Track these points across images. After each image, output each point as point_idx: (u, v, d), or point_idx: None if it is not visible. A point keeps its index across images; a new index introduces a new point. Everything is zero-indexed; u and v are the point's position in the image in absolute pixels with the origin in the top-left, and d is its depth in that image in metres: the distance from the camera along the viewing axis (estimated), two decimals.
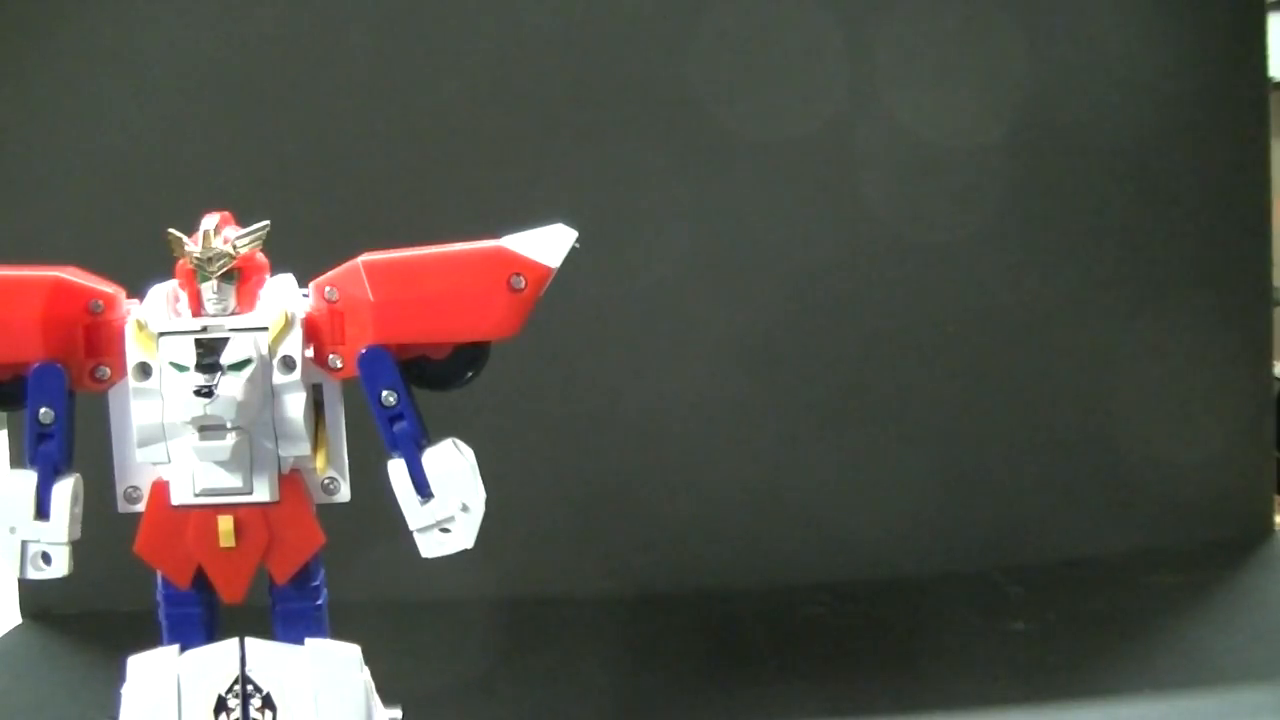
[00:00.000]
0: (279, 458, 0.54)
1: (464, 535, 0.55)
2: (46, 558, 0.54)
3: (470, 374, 0.56)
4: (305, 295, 0.55)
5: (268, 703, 0.54)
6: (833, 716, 0.81)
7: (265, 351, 0.53)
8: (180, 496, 0.54)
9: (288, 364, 0.54)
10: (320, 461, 0.55)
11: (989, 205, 1.05)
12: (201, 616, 0.55)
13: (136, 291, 0.55)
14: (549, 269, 0.54)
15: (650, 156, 1.02)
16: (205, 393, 0.51)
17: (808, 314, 1.05)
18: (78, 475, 0.54)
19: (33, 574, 0.54)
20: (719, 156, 1.03)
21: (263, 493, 0.54)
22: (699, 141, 1.03)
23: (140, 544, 0.54)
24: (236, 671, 0.54)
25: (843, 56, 1.03)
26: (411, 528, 0.55)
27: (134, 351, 0.53)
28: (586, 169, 1.02)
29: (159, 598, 0.55)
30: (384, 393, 0.54)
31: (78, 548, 0.54)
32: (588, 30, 1.02)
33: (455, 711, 0.76)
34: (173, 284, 0.54)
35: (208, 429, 0.52)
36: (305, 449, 0.54)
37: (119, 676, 0.55)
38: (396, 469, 0.55)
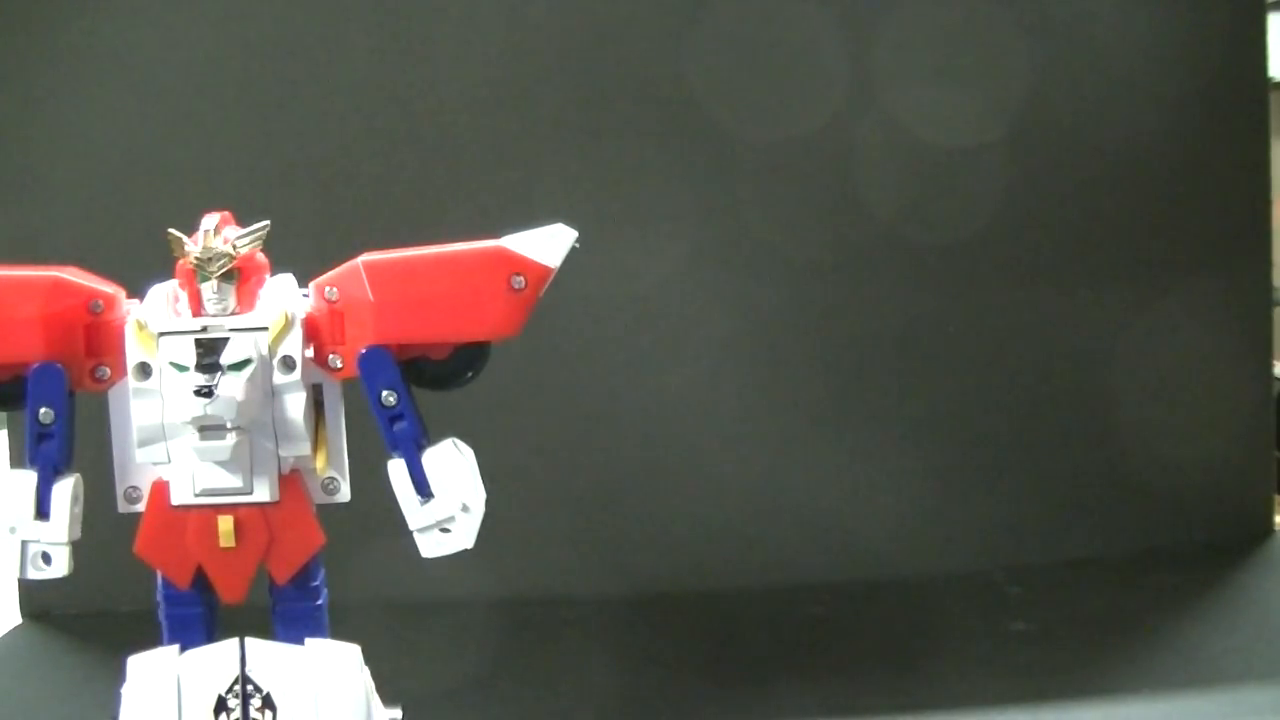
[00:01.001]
0: (279, 458, 0.54)
1: (464, 535, 0.55)
2: (46, 558, 0.53)
3: (470, 374, 0.56)
4: (305, 295, 0.55)
5: (268, 703, 0.54)
6: (833, 716, 0.81)
7: (265, 351, 0.53)
8: (180, 496, 0.54)
9: (288, 364, 0.53)
10: (320, 461, 0.55)
11: (989, 205, 1.05)
12: (201, 616, 0.55)
13: (136, 291, 0.55)
14: (549, 269, 0.54)
15: (650, 156, 1.02)
16: (205, 393, 0.51)
17: (807, 314, 1.05)
18: (78, 475, 0.54)
19: (33, 574, 0.54)
20: (719, 156, 1.03)
21: (263, 493, 0.54)
22: (699, 141, 1.03)
23: (140, 544, 0.54)
24: (236, 671, 0.54)
25: (843, 56, 1.03)
26: (411, 528, 0.55)
27: (134, 351, 0.53)
28: (586, 169, 1.02)
29: (159, 598, 0.55)
30: (384, 393, 0.54)
31: (78, 548, 0.54)
32: (588, 30, 1.02)
33: (455, 711, 0.75)
34: (173, 284, 0.54)
35: (208, 429, 0.52)
36: (305, 449, 0.54)
37: (119, 676, 0.54)
38: (396, 469, 0.55)
